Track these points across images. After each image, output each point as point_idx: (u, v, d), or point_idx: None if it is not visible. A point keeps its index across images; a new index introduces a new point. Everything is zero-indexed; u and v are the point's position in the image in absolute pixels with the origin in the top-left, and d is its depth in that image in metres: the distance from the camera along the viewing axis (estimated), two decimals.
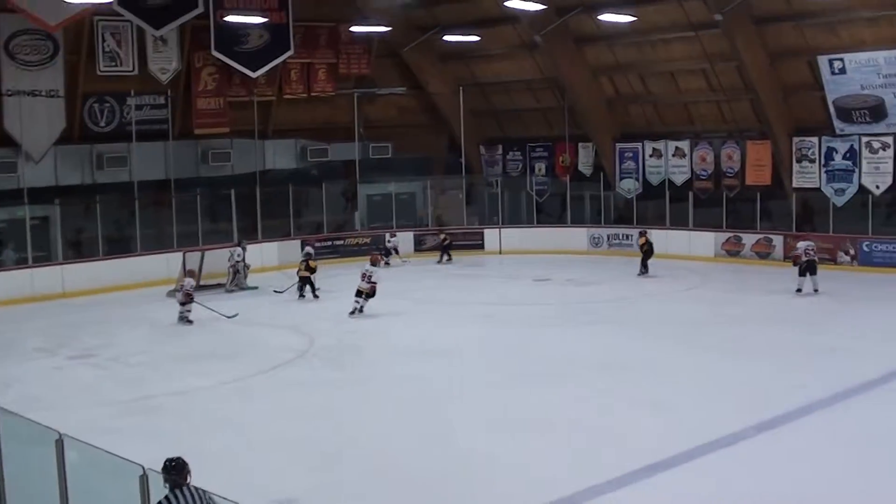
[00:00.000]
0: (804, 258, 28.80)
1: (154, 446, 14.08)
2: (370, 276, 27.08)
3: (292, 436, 16.30)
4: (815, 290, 28.67)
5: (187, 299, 26.53)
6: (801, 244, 29.35)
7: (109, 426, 16.26)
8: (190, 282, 27.02)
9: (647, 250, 33.57)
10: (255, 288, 32.01)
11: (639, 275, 33.23)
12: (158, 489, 8.94)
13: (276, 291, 30.13)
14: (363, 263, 28.41)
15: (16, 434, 11.03)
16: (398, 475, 14.14)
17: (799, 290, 28.81)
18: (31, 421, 10.95)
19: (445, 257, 38.41)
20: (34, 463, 10.70)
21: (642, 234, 34.34)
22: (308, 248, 33.13)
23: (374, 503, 13.28)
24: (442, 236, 39.12)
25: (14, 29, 31.79)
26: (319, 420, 17.22)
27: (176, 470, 9.19)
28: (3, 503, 11.17)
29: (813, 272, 28.74)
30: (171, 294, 30.22)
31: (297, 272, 30.40)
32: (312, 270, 30.19)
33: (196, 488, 9.15)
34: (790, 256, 31.43)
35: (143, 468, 8.73)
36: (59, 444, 9.81)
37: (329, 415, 17.59)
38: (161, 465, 9.09)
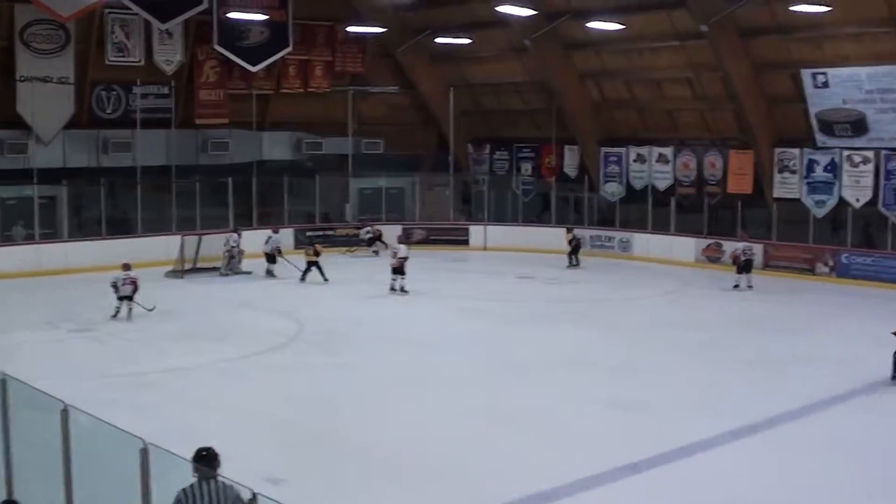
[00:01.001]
0: (743, 258, 31.23)
1: (146, 420, 14.62)
2: (395, 253, 30.06)
3: (281, 417, 16.78)
4: (750, 287, 30.95)
5: (132, 292, 25.48)
6: (740, 245, 31.68)
7: (105, 398, 16.33)
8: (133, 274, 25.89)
9: (576, 245, 36.52)
10: (249, 273, 33.06)
11: (568, 267, 35.58)
12: (158, 463, 8.55)
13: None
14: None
15: (20, 402, 11.23)
16: (380, 457, 14.69)
17: (736, 286, 31.01)
18: (37, 390, 10.84)
19: (373, 249, 38.48)
20: (38, 431, 10.96)
21: (569, 231, 36.87)
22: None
23: (358, 483, 13.64)
24: (367, 229, 39.33)
25: (29, 19, 33.14)
26: (307, 402, 17.82)
27: (207, 460, 8.64)
28: (10, 467, 11.37)
29: (748, 270, 31.14)
30: (169, 275, 31.82)
31: (305, 257, 31.94)
32: (318, 254, 31.59)
33: (224, 484, 8.49)
34: (727, 257, 33.84)
35: (144, 441, 8.50)
36: (65, 413, 9.92)
37: (316, 397, 18.14)
38: (147, 438, 8.65)
